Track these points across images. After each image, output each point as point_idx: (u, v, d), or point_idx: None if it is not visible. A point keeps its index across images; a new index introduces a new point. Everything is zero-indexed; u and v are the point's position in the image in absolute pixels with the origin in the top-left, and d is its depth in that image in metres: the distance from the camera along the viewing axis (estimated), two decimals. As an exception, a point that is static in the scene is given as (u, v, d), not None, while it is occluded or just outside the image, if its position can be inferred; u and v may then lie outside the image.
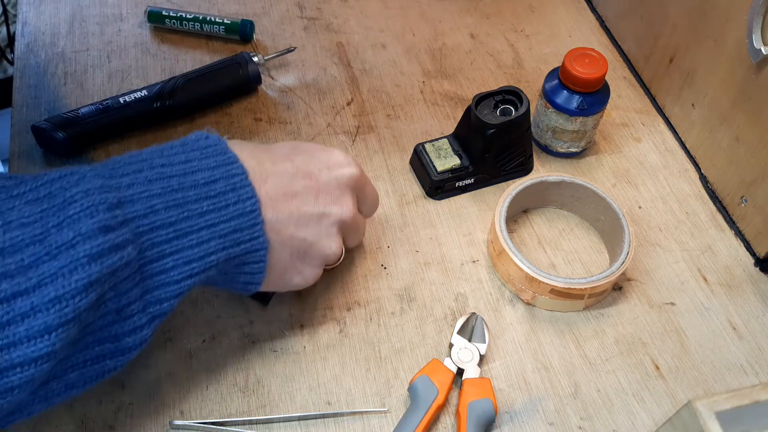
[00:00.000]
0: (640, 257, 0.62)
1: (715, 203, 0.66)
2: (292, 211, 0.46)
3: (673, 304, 0.59)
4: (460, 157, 0.64)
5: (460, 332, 0.55)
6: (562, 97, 0.63)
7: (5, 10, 1.45)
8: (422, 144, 0.65)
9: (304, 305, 0.57)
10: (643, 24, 0.74)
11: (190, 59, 0.74)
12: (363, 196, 0.52)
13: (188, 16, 0.75)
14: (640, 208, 0.65)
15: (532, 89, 0.74)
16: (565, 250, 0.62)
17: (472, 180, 0.64)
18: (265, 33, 0.77)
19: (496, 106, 0.62)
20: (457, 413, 0.51)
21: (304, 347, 0.55)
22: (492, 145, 0.62)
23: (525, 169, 0.67)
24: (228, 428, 0.50)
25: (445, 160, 0.63)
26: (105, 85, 0.71)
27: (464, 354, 0.53)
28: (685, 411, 0.42)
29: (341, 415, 0.51)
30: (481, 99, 0.62)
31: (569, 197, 0.63)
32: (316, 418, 0.51)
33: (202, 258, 0.42)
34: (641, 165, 0.69)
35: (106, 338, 0.39)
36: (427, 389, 0.51)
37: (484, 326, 0.55)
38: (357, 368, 0.54)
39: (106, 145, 0.66)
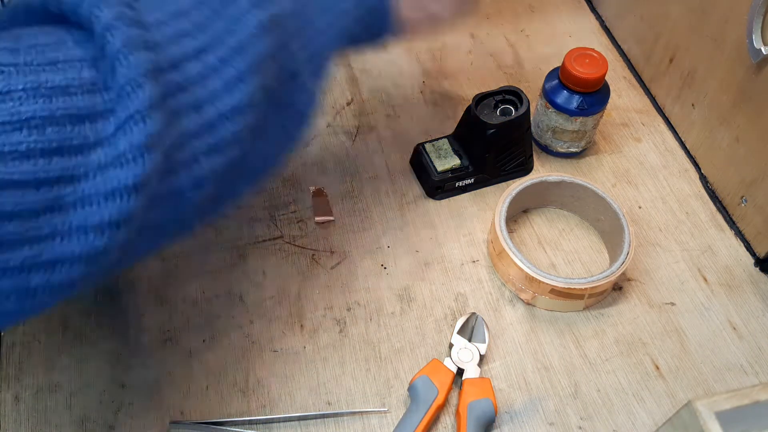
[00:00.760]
0: (640, 257, 0.62)
1: (715, 203, 0.66)
2: None
3: (673, 304, 0.59)
4: (460, 157, 0.64)
5: (460, 332, 0.55)
6: (562, 97, 0.63)
7: (4, 10, 1.44)
8: (422, 144, 0.65)
9: (304, 305, 0.57)
10: (643, 24, 0.74)
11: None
12: None
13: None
14: (640, 208, 0.65)
15: (532, 89, 0.74)
16: (565, 250, 0.62)
17: (472, 180, 0.64)
18: (265, 33, 0.77)
19: (496, 106, 0.62)
20: (457, 413, 0.51)
21: (304, 347, 0.55)
22: (492, 145, 0.62)
23: (525, 169, 0.66)
24: (228, 428, 0.50)
25: (445, 160, 0.63)
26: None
27: (464, 354, 0.53)
28: (685, 411, 0.42)
29: (341, 415, 0.51)
30: (481, 99, 0.62)
31: (569, 197, 0.63)
32: (316, 418, 0.51)
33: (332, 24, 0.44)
34: (641, 165, 0.69)
35: (286, 105, 0.40)
36: (427, 389, 0.51)
37: (484, 326, 0.55)
38: (357, 368, 0.54)
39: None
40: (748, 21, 0.58)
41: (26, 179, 0.30)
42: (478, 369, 0.53)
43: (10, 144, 0.29)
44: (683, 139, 0.70)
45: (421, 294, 0.58)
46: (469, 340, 0.54)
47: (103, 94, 0.33)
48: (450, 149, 0.64)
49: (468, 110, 0.62)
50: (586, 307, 0.58)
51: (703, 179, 0.68)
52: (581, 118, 0.63)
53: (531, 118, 0.66)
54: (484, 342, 0.54)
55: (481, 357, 0.54)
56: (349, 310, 0.57)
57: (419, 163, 0.65)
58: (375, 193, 0.65)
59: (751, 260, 0.62)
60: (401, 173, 0.66)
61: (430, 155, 0.64)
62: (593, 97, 0.63)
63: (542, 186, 0.62)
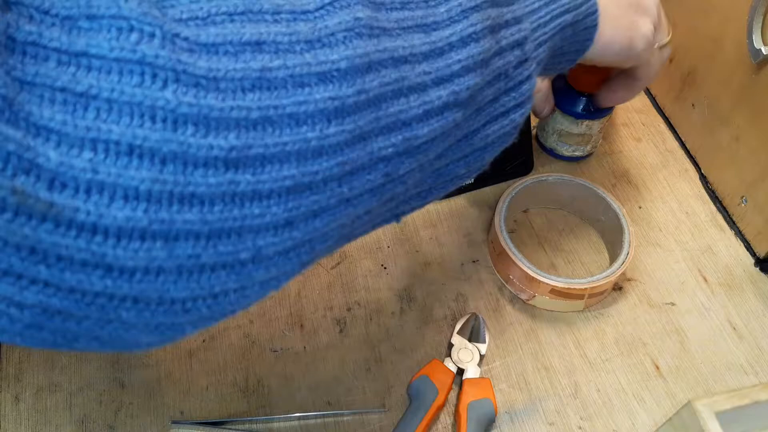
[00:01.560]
0: (640, 257, 0.62)
1: (715, 203, 0.66)
2: None
3: (673, 304, 0.59)
4: (460, 157, 0.64)
5: (460, 332, 0.55)
6: (568, 99, 0.63)
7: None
8: (422, 144, 0.65)
9: (304, 305, 0.57)
10: (643, 24, 0.74)
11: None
12: None
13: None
14: (640, 208, 0.65)
15: (532, 89, 0.73)
16: (565, 250, 0.62)
17: (472, 180, 0.64)
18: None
19: (496, 106, 0.62)
20: (457, 413, 0.51)
21: (304, 347, 0.55)
22: (492, 145, 0.62)
23: (525, 169, 0.66)
24: (228, 428, 0.50)
25: (445, 160, 0.63)
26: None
27: (464, 354, 0.53)
28: (685, 411, 0.42)
29: (341, 415, 0.51)
30: (481, 99, 0.62)
31: (569, 197, 0.63)
32: (316, 418, 0.51)
33: (557, 18, 0.40)
34: (641, 165, 0.69)
35: (512, 86, 0.38)
36: (427, 389, 0.51)
37: (484, 326, 0.55)
38: (357, 368, 0.54)
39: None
40: (748, 21, 0.58)
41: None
42: (478, 369, 0.53)
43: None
44: (683, 139, 0.70)
45: (421, 294, 0.58)
46: (469, 340, 0.54)
47: None
48: (450, 149, 0.64)
49: (468, 110, 0.62)
50: (586, 307, 0.58)
51: (703, 179, 0.68)
52: (587, 121, 0.63)
53: (538, 121, 0.66)
54: (484, 342, 0.54)
55: (481, 357, 0.54)
56: (349, 310, 0.57)
57: (419, 163, 0.65)
58: (375, 193, 0.65)
59: (751, 260, 0.62)
60: (401, 173, 0.66)
61: (430, 155, 0.64)
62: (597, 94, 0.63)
63: (542, 186, 0.62)
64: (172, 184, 0.24)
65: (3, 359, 0.53)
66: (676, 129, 0.71)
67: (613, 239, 0.60)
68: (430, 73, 0.32)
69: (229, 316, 0.30)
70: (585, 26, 0.44)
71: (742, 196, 0.62)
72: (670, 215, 0.65)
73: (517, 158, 0.65)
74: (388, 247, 0.61)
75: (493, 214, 0.59)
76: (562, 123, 0.64)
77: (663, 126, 0.72)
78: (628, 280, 0.60)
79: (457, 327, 0.55)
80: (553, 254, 0.62)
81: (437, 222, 0.63)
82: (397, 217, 0.38)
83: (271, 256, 0.28)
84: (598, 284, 0.55)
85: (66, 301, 0.24)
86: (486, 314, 0.57)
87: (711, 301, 0.59)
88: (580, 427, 0.52)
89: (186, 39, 0.24)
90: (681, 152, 0.70)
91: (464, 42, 0.33)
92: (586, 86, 0.62)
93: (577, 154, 0.67)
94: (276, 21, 0.27)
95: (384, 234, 0.62)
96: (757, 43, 0.57)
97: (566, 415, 0.52)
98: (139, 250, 0.24)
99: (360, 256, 0.60)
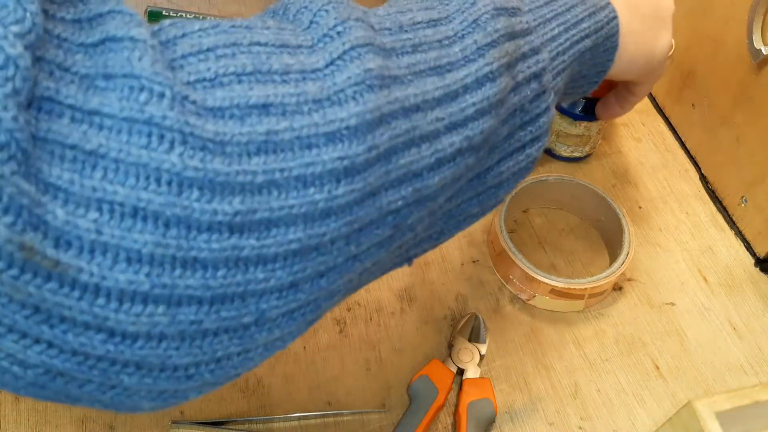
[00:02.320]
0: (640, 257, 0.61)
1: (715, 203, 0.66)
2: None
3: (673, 304, 0.59)
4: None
5: (460, 332, 0.55)
6: None
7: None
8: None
9: (304, 305, 0.57)
10: (643, 24, 0.74)
11: (190, 59, 0.73)
12: None
13: (188, 16, 0.75)
14: (640, 208, 0.65)
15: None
16: (565, 250, 0.62)
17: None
18: (265, 33, 0.77)
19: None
20: (457, 413, 0.51)
21: (304, 347, 0.55)
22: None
23: (525, 169, 0.66)
24: (228, 428, 0.50)
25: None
26: (105, 84, 0.71)
27: (464, 354, 0.53)
28: (685, 411, 0.42)
29: (341, 415, 0.51)
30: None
31: (569, 197, 0.63)
32: (316, 418, 0.51)
33: (576, 25, 0.39)
34: (641, 165, 0.69)
35: (528, 120, 0.37)
36: (427, 389, 0.51)
37: (484, 326, 0.55)
38: (357, 368, 0.54)
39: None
40: (748, 21, 0.58)
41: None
42: (478, 369, 0.53)
43: None
44: (683, 139, 0.70)
45: (421, 294, 0.58)
46: (469, 340, 0.54)
47: (301, 35, 0.29)
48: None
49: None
50: (586, 308, 0.58)
51: (703, 179, 0.67)
52: (585, 122, 0.63)
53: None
54: (484, 342, 0.54)
55: (481, 357, 0.54)
56: (349, 310, 0.57)
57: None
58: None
59: (751, 260, 0.62)
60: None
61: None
62: (598, 101, 0.63)
63: (542, 186, 0.62)
64: (175, 248, 0.24)
65: (3, 359, 0.53)
66: (676, 129, 0.71)
67: (613, 239, 0.60)
68: (443, 119, 0.31)
69: (233, 380, 0.30)
70: (606, 48, 0.42)
71: (742, 196, 0.62)
72: (670, 215, 0.65)
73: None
74: (388, 247, 0.61)
75: (493, 214, 0.59)
76: (560, 124, 0.64)
77: (663, 126, 0.72)
78: (628, 280, 0.60)
79: (457, 327, 0.55)
80: (553, 254, 0.62)
81: (437, 222, 0.63)
82: (408, 260, 0.37)
83: (274, 318, 0.28)
84: (598, 284, 0.55)
85: (68, 363, 0.24)
86: (486, 314, 0.57)
87: (711, 301, 0.59)
88: (580, 427, 0.52)
89: (194, 102, 0.24)
90: (681, 152, 0.70)
91: (480, 83, 0.32)
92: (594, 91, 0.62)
93: (576, 154, 0.67)
94: (284, 81, 0.27)
95: (384, 234, 0.62)
96: (758, 43, 0.57)
97: (566, 415, 0.52)
98: (141, 314, 0.24)
99: (360, 256, 0.60)
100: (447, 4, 0.34)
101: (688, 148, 0.70)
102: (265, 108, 0.26)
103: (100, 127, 0.23)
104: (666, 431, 0.43)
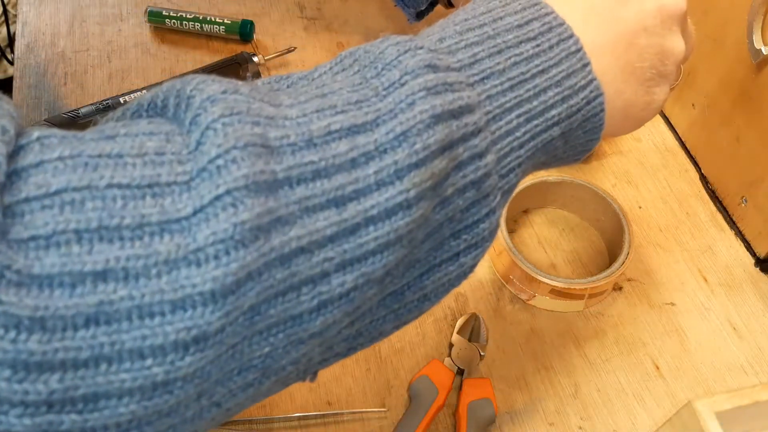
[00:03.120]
0: (640, 257, 0.61)
1: (715, 203, 0.66)
2: (619, 28, 0.37)
3: (673, 304, 0.59)
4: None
5: (460, 332, 0.55)
6: None
7: (5, 10, 1.44)
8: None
9: (304, 305, 0.57)
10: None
11: (191, 59, 0.74)
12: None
13: (188, 15, 0.75)
14: (640, 208, 0.65)
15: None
16: (565, 250, 0.62)
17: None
18: (266, 33, 0.77)
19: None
20: (457, 413, 0.51)
21: (304, 347, 0.55)
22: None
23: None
24: (227, 429, 0.50)
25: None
26: (105, 85, 0.71)
27: (464, 354, 0.53)
28: (685, 411, 0.42)
29: (341, 415, 0.51)
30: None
31: (569, 197, 0.63)
32: (316, 418, 0.51)
33: (543, 113, 0.34)
34: (641, 165, 0.69)
35: (463, 228, 0.32)
36: (427, 389, 0.51)
37: (484, 326, 0.55)
38: (357, 368, 0.54)
39: (107, 145, 0.66)
40: (748, 21, 0.58)
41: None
42: (478, 369, 0.53)
43: None
44: (683, 139, 0.70)
45: (421, 294, 0.58)
46: (469, 341, 0.54)
47: (178, 165, 0.25)
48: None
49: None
50: (586, 308, 0.58)
51: (704, 179, 0.67)
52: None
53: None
54: (484, 342, 0.54)
55: (481, 357, 0.54)
56: (349, 310, 0.57)
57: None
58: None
59: (751, 260, 0.62)
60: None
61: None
62: None
63: (542, 186, 0.62)
64: None
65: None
66: (676, 129, 0.71)
67: (613, 239, 0.60)
68: (332, 258, 0.26)
69: None
70: (585, 129, 0.37)
71: (743, 196, 0.62)
72: (670, 215, 0.65)
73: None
74: (388, 248, 0.61)
75: (493, 215, 0.59)
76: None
77: (663, 126, 0.72)
78: (628, 280, 0.60)
79: (457, 327, 0.55)
80: (554, 254, 0.62)
81: (437, 222, 0.63)
82: (311, 377, 0.33)
83: None
84: (598, 284, 0.55)
85: None
86: (486, 314, 0.57)
87: (711, 301, 0.59)
88: (580, 427, 0.52)
89: (17, 272, 0.21)
90: (681, 152, 0.70)
91: (388, 213, 0.27)
92: None
93: (577, 154, 0.67)
94: (135, 238, 0.23)
95: (384, 234, 0.62)
96: (757, 43, 0.57)
97: (566, 415, 0.52)
98: None
99: (360, 257, 0.60)
100: (384, 96, 0.29)
101: (688, 148, 0.70)
102: (102, 274, 0.22)
103: None
104: (666, 431, 0.43)
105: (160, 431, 0.25)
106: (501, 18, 0.34)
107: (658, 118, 0.73)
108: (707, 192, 0.67)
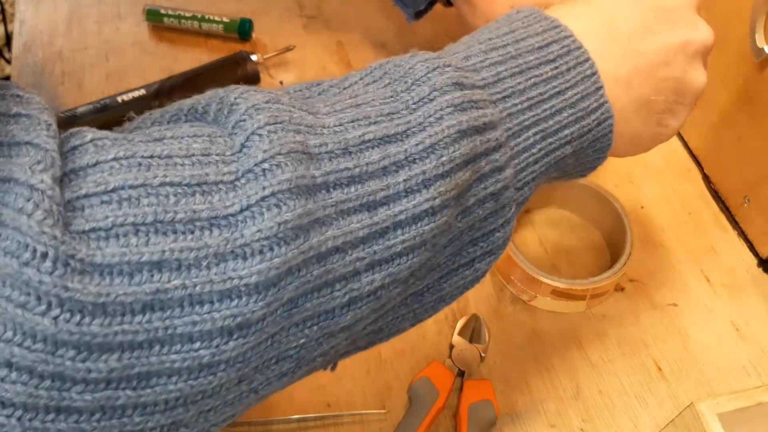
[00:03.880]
0: (642, 258, 0.61)
1: (718, 203, 0.65)
2: (638, 61, 0.39)
3: (675, 305, 0.59)
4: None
5: (461, 333, 0.54)
6: None
7: (3, 9, 1.44)
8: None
9: (304, 306, 0.57)
10: (644, 23, 0.74)
11: (189, 58, 0.73)
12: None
13: (187, 14, 0.75)
14: (642, 208, 0.65)
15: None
16: (566, 251, 0.62)
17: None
18: (264, 31, 0.77)
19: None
20: (458, 415, 0.51)
21: (304, 348, 0.54)
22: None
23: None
24: (226, 430, 0.49)
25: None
26: (103, 84, 0.70)
27: (465, 355, 0.53)
28: (688, 413, 0.42)
29: (341, 416, 0.51)
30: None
31: (571, 197, 0.63)
32: (315, 420, 0.51)
33: (557, 132, 0.36)
34: (643, 165, 0.68)
35: (480, 236, 0.34)
36: (428, 391, 0.51)
37: (485, 327, 0.55)
38: (357, 369, 0.53)
39: (104, 144, 0.65)
40: (751, 20, 0.57)
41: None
42: (479, 371, 0.53)
43: None
44: (686, 139, 0.70)
45: (421, 295, 0.58)
46: (470, 342, 0.54)
47: (224, 165, 0.27)
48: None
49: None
50: (588, 308, 0.58)
51: (706, 179, 0.67)
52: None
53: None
54: (485, 343, 0.54)
55: (482, 358, 0.53)
56: (348, 311, 0.57)
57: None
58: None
59: (754, 261, 0.62)
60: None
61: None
62: None
63: (543, 186, 0.62)
64: (47, 398, 0.23)
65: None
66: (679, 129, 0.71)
67: (615, 240, 0.60)
68: (363, 258, 0.29)
69: None
70: (594, 148, 0.39)
71: (745, 197, 0.62)
72: (673, 215, 0.65)
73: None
74: (388, 248, 0.61)
75: (494, 215, 0.59)
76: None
77: (665, 125, 0.72)
78: (630, 280, 0.60)
79: (458, 328, 0.54)
80: (555, 255, 0.61)
81: (438, 222, 0.63)
82: (324, 367, 0.35)
83: None
84: (600, 285, 0.55)
85: None
86: (487, 315, 0.57)
87: (714, 302, 0.59)
88: (581, 429, 0.51)
89: (81, 260, 0.23)
90: (684, 152, 0.70)
91: (415, 219, 0.30)
92: None
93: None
94: (186, 232, 0.25)
95: (384, 234, 0.62)
96: (760, 42, 0.57)
97: (568, 417, 0.52)
98: None
99: (360, 257, 0.60)
100: (414, 110, 0.31)
101: (690, 148, 0.70)
102: (158, 264, 0.24)
103: None
104: (669, 433, 0.43)
105: (203, 410, 0.27)
106: (523, 39, 0.36)
107: (660, 118, 0.72)
108: (710, 192, 0.66)
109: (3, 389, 0.23)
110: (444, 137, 0.30)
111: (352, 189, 0.29)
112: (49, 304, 0.23)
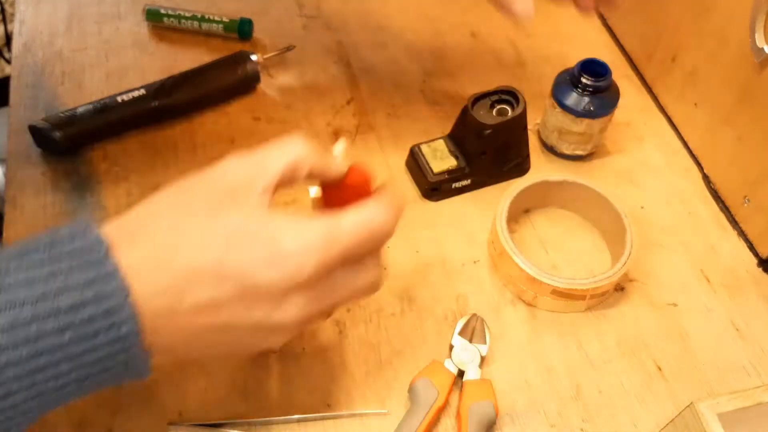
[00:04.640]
0: (642, 258, 0.61)
1: (717, 203, 0.65)
2: (193, 331, 0.36)
3: (675, 304, 0.59)
4: (457, 158, 0.63)
5: (461, 333, 0.54)
6: (569, 97, 0.63)
7: (3, 9, 1.44)
8: (418, 145, 0.64)
9: (304, 306, 0.57)
10: (645, 23, 0.74)
11: (189, 58, 0.73)
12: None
13: (186, 14, 0.75)
14: (642, 208, 0.65)
15: (533, 89, 0.73)
16: (566, 251, 0.62)
17: (469, 181, 0.64)
18: (264, 31, 0.77)
19: (492, 106, 0.62)
20: (458, 415, 0.51)
21: (304, 348, 0.54)
22: (488, 145, 0.62)
23: (522, 170, 0.66)
24: (226, 430, 0.49)
25: (442, 161, 0.63)
26: (103, 84, 0.70)
27: (465, 355, 0.53)
28: (688, 412, 0.42)
29: (341, 417, 0.51)
30: (477, 99, 0.62)
31: (571, 197, 0.63)
32: (315, 420, 0.51)
33: (60, 389, 0.35)
34: (643, 165, 0.68)
35: None
36: (428, 391, 0.51)
37: (485, 327, 0.55)
38: (357, 370, 0.53)
39: (104, 144, 0.65)
40: (751, 20, 0.57)
41: None
42: (479, 371, 0.53)
43: None
44: (686, 139, 0.70)
45: (421, 295, 0.58)
46: (470, 342, 0.54)
47: None
48: (446, 150, 0.64)
49: (464, 110, 0.62)
50: (588, 308, 0.58)
51: (706, 179, 0.67)
52: (587, 120, 0.63)
53: (540, 120, 0.65)
54: (485, 343, 0.54)
55: (482, 358, 0.53)
56: (348, 311, 0.57)
57: (415, 165, 0.64)
58: (375, 193, 0.64)
59: (754, 261, 0.62)
60: (401, 173, 0.66)
61: (426, 156, 0.63)
62: (600, 100, 0.63)
63: (544, 186, 0.62)
64: None
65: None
66: (679, 128, 0.71)
67: (615, 239, 0.60)
68: None
69: None
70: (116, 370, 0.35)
71: (745, 196, 0.62)
72: (673, 215, 0.65)
73: (513, 159, 0.64)
74: (388, 247, 0.61)
75: (494, 215, 0.59)
76: (563, 121, 0.64)
77: (665, 125, 0.72)
78: (630, 280, 0.60)
79: (458, 328, 0.54)
80: (555, 255, 0.61)
81: (438, 222, 0.63)
82: None
83: None
84: (600, 285, 0.55)
85: None
86: (487, 315, 0.57)
87: (714, 302, 0.59)
88: (581, 429, 0.51)
89: None
90: (683, 152, 0.70)
91: None
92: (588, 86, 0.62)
93: (578, 152, 0.67)
94: None
95: (384, 234, 0.61)
96: (760, 41, 0.57)
97: (568, 417, 0.52)
98: None
99: (360, 257, 0.60)
100: None
101: (690, 147, 0.70)
102: None
103: None
104: (669, 434, 0.43)
105: None
106: (54, 296, 0.33)
107: (660, 117, 0.72)
108: (710, 192, 0.66)
109: None
110: None
111: None
112: None
